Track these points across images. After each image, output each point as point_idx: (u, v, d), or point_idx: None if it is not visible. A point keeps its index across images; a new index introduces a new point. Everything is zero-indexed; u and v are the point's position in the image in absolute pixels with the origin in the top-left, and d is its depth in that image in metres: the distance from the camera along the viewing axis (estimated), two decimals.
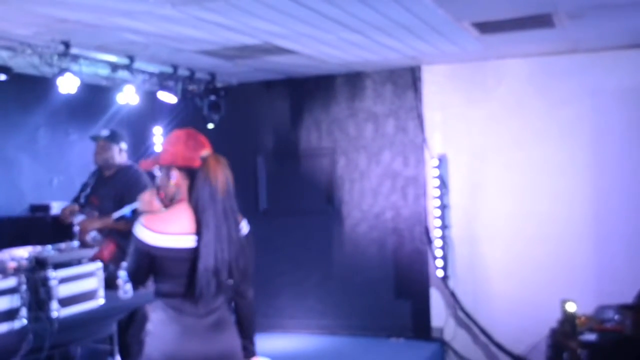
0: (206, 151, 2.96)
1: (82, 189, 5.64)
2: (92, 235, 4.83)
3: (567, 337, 5.86)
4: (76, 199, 5.66)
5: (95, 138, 5.59)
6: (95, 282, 4.61)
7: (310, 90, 7.49)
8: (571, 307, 5.98)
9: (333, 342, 7.07)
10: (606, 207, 6.42)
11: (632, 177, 6.29)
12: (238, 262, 2.93)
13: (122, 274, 3.02)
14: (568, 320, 5.94)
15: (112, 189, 5.42)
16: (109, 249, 5.37)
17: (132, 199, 5.31)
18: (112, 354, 5.24)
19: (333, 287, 7.28)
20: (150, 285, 5.12)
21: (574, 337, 5.82)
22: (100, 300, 4.64)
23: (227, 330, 3.01)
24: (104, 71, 5.93)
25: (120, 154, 5.56)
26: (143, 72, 6.19)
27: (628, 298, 6.11)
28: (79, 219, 5.35)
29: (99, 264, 4.72)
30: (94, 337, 5.16)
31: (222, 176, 2.89)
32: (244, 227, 3.05)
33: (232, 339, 3.03)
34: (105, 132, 5.57)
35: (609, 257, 6.39)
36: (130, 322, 5.36)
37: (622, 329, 5.92)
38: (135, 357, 5.38)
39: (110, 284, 4.93)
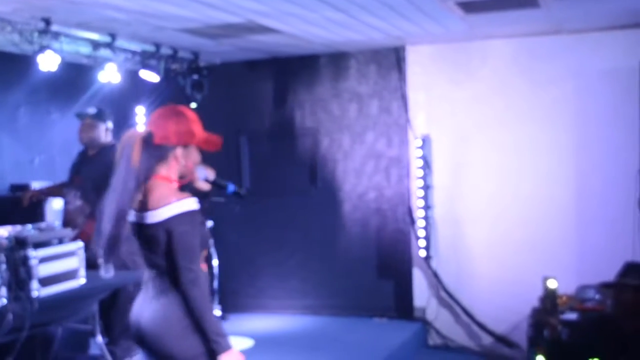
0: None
1: (71, 169, 5.60)
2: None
3: (548, 314, 5.89)
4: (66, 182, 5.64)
5: (81, 116, 5.55)
6: (76, 262, 4.59)
7: (294, 70, 7.44)
8: (552, 284, 6.01)
9: (315, 322, 7.08)
10: (588, 187, 6.45)
11: (614, 158, 6.31)
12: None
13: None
14: (549, 297, 5.96)
15: (94, 168, 5.37)
16: (92, 229, 5.33)
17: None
18: (93, 334, 5.23)
19: (316, 267, 7.28)
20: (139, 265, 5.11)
21: (555, 314, 5.84)
22: (81, 280, 4.62)
23: (160, 300, 2.95)
24: (85, 49, 5.87)
25: (106, 133, 5.54)
26: (125, 50, 6.12)
27: (608, 278, 6.13)
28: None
29: (79, 244, 4.70)
30: (75, 317, 5.15)
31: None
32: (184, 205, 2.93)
33: (162, 309, 2.94)
34: (92, 110, 5.54)
35: (591, 237, 6.43)
36: (113, 303, 5.33)
37: (603, 308, 5.97)
38: (118, 338, 5.37)
39: (93, 263, 4.92)
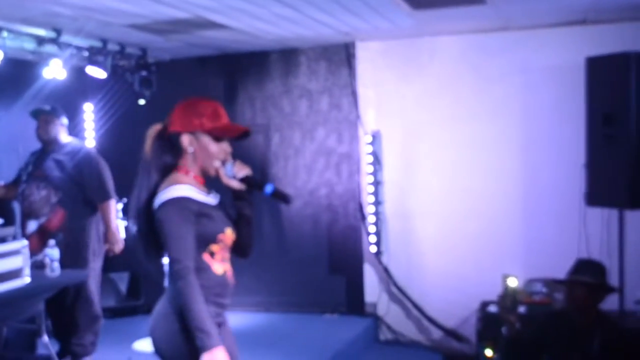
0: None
1: (24, 168, 5.54)
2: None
3: (507, 311, 5.97)
4: (17, 180, 5.56)
5: (37, 112, 5.52)
6: (20, 261, 4.51)
7: (244, 67, 7.41)
8: (512, 282, 6.09)
9: (267, 319, 7.07)
10: (536, 182, 6.55)
11: (560, 153, 6.41)
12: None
13: None
14: (509, 294, 6.05)
15: (58, 161, 5.39)
16: (58, 217, 5.29)
17: (91, 180, 5.33)
18: (39, 334, 5.17)
19: (267, 263, 7.26)
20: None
21: (514, 311, 5.94)
22: (25, 279, 4.55)
23: (165, 294, 2.96)
24: (30, 45, 5.76)
25: (61, 129, 5.53)
26: (71, 46, 6.03)
27: (555, 271, 6.22)
28: None
29: (23, 242, 4.63)
30: (21, 316, 5.08)
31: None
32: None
33: (160, 302, 2.95)
34: (47, 107, 5.52)
35: (538, 231, 6.52)
36: (76, 299, 5.35)
37: (550, 302, 6.07)
38: (84, 333, 5.36)
39: (60, 253, 4.89)
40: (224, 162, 3.00)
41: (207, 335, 2.72)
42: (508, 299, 6.05)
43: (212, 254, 2.92)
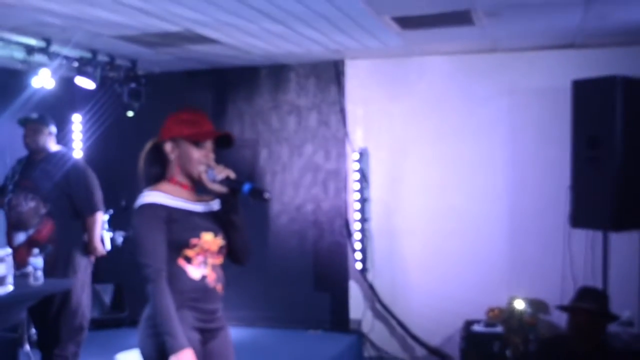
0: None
1: (11, 177, 5.51)
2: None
3: (512, 333, 6.00)
4: (3, 188, 5.53)
5: (25, 121, 5.50)
6: (3, 269, 4.49)
7: (233, 82, 7.44)
8: (519, 304, 6.11)
9: (250, 334, 7.04)
10: (521, 203, 6.58)
11: (544, 175, 6.45)
12: None
13: None
14: (515, 316, 6.08)
15: (48, 173, 5.35)
16: (47, 229, 5.26)
17: (79, 190, 5.31)
18: (21, 343, 5.14)
19: (252, 278, 7.22)
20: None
21: (520, 333, 5.96)
22: (8, 287, 4.52)
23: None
24: (19, 54, 5.77)
25: (49, 137, 5.50)
26: (60, 56, 6.03)
27: (539, 292, 6.31)
28: None
29: (7, 250, 4.61)
30: (3, 324, 5.03)
31: None
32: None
33: (143, 314, 3.01)
34: (34, 115, 5.50)
35: (523, 251, 6.55)
36: (63, 308, 5.29)
37: (535, 323, 6.09)
38: (67, 343, 5.32)
39: (50, 265, 4.87)
40: (207, 168, 3.05)
41: (174, 337, 2.77)
42: (514, 320, 6.07)
43: (187, 259, 2.96)
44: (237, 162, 7.21)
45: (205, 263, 3.01)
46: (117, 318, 7.26)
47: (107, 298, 7.40)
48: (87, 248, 5.42)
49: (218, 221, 3.11)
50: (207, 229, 3.04)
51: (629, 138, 5.47)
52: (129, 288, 7.25)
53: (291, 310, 7.19)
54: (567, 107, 5.68)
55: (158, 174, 3.08)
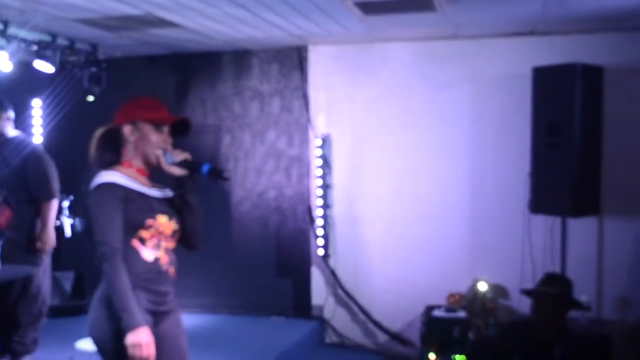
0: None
1: None
2: None
3: (475, 316, 6.05)
4: None
5: None
6: None
7: (196, 67, 7.38)
8: (482, 286, 6.16)
9: (212, 320, 7.03)
10: (482, 189, 6.63)
11: (506, 161, 6.51)
12: None
13: None
14: (478, 299, 6.12)
15: (4, 157, 5.27)
16: (4, 215, 5.17)
17: (36, 177, 5.22)
18: None
19: (214, 265, 7.23)
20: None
21: (482, 316, 6.01)
22: None
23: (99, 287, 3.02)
24: None
25: (7, 122, 5.41)
26: (18, 38, 5.92)
27: (500, 277, 6.38)
28: None
29: None
30: None
31: None
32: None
33: (94, 296, 3.02)
34: None
35: (483, 237, 6.60)
36: (22, 295, 5.24)
37: (494, 307, 6.16)
38: (27, 330, 5.27)
39: (8, 251, 4.79)
40: (165, 152, 3.08)
41: (131, 315, 2.78)
42: (477, 303, 6.12)
43: (141, 240, 2.98)
44: (199, 148, 7.19)
45: (158, 246, 3.03)
46: (77, 305, 7.18)
47: (67, 285, 7.32)
48: (39, 237, 5.28)
49: (172, 206, 3.15)
50: (162, 212, 3.07)
51: (588, 125, 5.55)
52: (89, 275, 7.17)
53: (254, 296, 7.18)
54: (528, 94, 5.74)
55: (112, 159, 3.08)
